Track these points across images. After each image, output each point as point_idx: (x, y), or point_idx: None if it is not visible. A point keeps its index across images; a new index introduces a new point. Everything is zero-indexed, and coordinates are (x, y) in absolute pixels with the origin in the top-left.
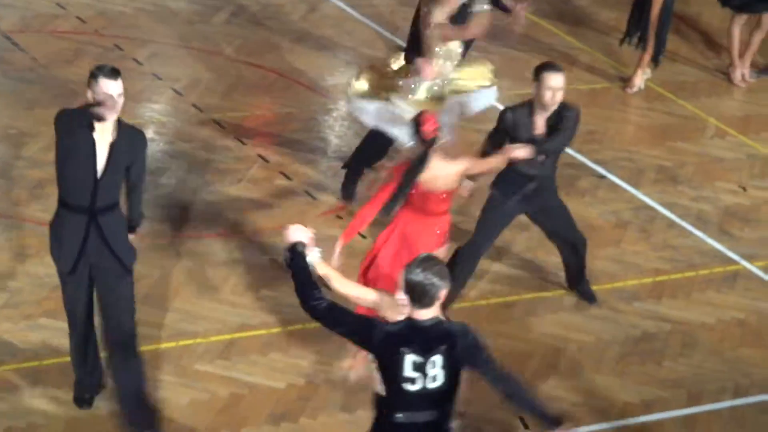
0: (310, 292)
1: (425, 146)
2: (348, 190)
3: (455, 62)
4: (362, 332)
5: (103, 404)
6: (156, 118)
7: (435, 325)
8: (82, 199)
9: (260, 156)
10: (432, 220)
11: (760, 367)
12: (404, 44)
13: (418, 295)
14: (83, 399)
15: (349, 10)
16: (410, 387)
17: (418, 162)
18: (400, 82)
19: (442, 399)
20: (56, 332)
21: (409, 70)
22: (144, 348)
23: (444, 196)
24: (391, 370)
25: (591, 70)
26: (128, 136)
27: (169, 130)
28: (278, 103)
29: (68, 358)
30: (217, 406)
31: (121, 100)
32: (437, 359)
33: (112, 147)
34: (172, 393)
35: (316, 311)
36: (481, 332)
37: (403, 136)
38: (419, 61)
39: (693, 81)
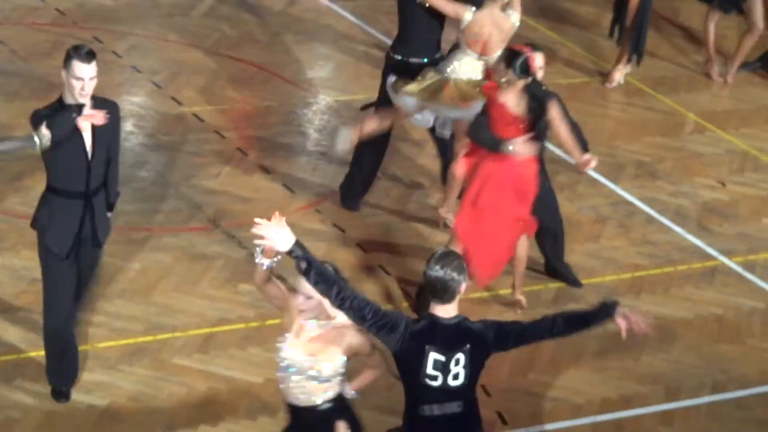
0: (330, 293)
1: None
2: (354, 201)
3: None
4: (387, 329)
5: (81, 397)
6: (135, 111)
7: (458, 323)
8: (78, 184)
9: (239, 149)
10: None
11: (737, 362)
12: (383, 37)
13: (440, 291)
14: (60, 392)
15: (328, 3)
16: (432, 383)
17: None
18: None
19: (463, 392)
20: (34, 326)
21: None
22: (122, 342)
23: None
24: (413, 367)
25: (571, 65)
26: (105, 110)
27: (148, 123)
28: (258, 96)
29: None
30: (195, 400)
31: (93, 83)
32: (460, 357)
33: (94, 126)
34: (150, 387)
35: (341, 308)
36: None
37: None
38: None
39: (672, 76)
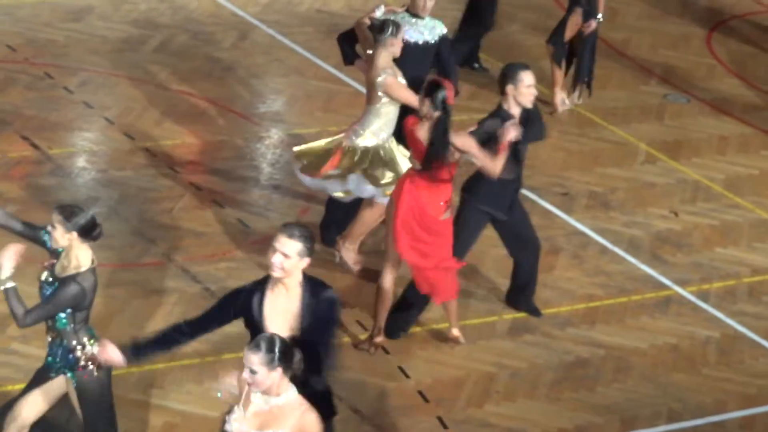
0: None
1: (445, 112)
2: (331, 236)
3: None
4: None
5: None
6: (87, 147)
7: None
8: None
9: (192, 184)
10: (438, 188)
11: (692, 391)
12: (334, 71)
13: None
14: None
15: (279, 37)
16: None
17: (445, 122)
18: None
19: None
20: None
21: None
22: None
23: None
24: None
25: None
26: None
27: (100, 159)
28: (210, 131)
29: None
30: None
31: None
32: None
33: None
34: None
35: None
36: (415, 359)
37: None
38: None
39: (624, 107)
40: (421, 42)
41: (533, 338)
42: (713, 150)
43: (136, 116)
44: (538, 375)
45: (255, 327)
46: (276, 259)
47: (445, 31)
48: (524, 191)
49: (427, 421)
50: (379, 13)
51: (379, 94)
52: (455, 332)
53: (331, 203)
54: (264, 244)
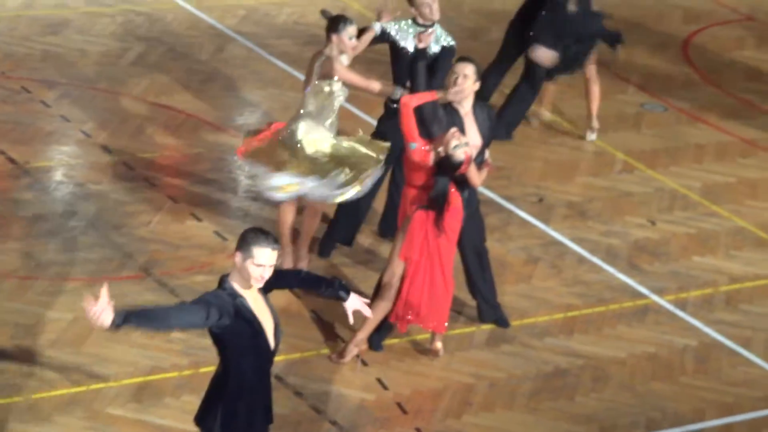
0: (156, 326)
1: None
2: (328, 248)
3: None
4: (221, 314)
5: None
6: (65, 161)
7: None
8: None
9: (170, 197)
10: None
11: (671, 400)
12: None
13: None
14: None
15: (256, 49)
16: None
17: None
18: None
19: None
20: None
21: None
22: (55, 393)
23: None
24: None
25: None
26: None
27: (78, 173)
28: (187, 143)
29: None
30: None
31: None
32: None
33: None
34: None
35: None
36: (393, 370)
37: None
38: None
39: (601, 116)
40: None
41: (511, 348)
42: (690, 158)
43: (114, 129)
44: (517, 385)
45: (251, 328)
46: (265, 273)
47: (451, 43)
48: (501, 201)
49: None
50: (377, 27)
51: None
52: (438, 345)
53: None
54: None
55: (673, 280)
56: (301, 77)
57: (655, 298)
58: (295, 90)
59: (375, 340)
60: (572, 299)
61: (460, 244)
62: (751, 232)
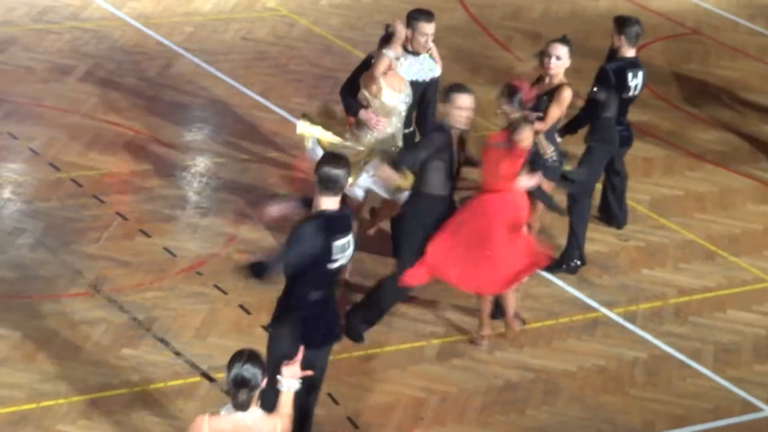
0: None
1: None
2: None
3: (399, 117)
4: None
5: None
6: (13, 178)
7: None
8: None
9: (119, 214)
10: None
11: (621, 413)
12: (260, 98)
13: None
14: None
15: (204, 65)
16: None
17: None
18: (347, 135)
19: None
20: None
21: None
22: (5, 410)
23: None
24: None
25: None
26: None
27: (26, 190)
28: (136, 160)
29: None
30: None
31: None
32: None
33: None
34: None
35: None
36: (343, 385)
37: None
38: (362, 113)
39: None
40: (411, 79)
41: (462, 362)
42: (639, 172)
43: (62, 146)
44: (468, 399)
45: None
46: None
47: (438, 74)
48: None
49: None
50: (393, 54)
51: None
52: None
53: None
54: (190, 273)
55: (623, 293)
56: (248, 92)
57: (604, 311)
58: (243, 106)
59: (357, 332)
60: (522, 313)
61: None
62: (699, 244)
